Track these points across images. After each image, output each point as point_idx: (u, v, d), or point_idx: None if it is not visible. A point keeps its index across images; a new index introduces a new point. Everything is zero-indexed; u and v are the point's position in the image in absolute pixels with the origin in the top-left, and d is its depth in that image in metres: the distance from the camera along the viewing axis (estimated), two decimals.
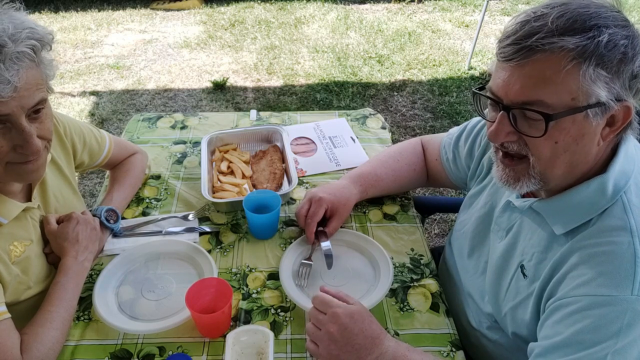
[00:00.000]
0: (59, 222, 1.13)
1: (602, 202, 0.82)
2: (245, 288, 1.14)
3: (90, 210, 1.22)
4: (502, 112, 0.81)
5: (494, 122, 0.83)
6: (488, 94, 0.84)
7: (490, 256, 1.04)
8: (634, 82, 0.76)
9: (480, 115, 0.92)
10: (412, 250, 1.25)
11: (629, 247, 0.77)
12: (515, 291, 0.95)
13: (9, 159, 0.91)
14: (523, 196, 0.97)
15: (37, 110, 0.90)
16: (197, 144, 1.59)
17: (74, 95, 3.67)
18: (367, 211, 1.36)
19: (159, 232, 1.27)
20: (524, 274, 0.93)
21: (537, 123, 0.78)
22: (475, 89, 0.88)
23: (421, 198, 1.55)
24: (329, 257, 1.15)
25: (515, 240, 0.97)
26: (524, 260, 0.93)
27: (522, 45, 0.75)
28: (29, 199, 1.08)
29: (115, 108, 3.52)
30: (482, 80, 3.94)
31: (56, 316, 0.99)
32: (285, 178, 1.45)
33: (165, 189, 1.43)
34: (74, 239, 1.10)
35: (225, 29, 4.74)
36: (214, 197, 1.33)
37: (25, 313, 1.01)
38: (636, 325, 0.73)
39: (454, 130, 1.27)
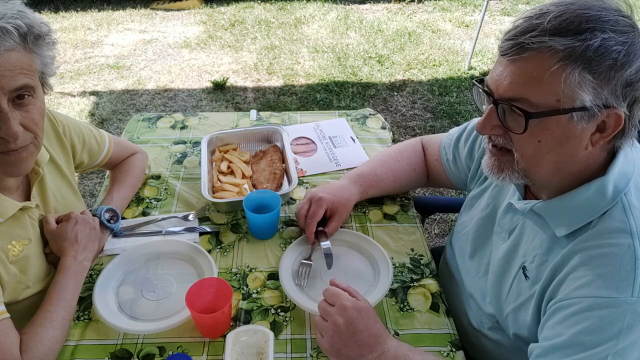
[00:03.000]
0: (58, 221, 1.13)
1: (602, 204, 0.82)
2: (245, 288, 1.14)
3: (90, 210, 1.21)
4: (491, 105, 0.82)
5: None
6: (485, 86, 0.85)
7: (493, 258, 1.04)
8: (627, 90, 0.74)
9: (478, 106, 0.93)
10: (412, 250, 1.25)
11: (629, 249, 0.77)
12: (517, 293, 0.95)
13: None
14: (524, 198, 0.97)
15: (20, 96, 0.89)
16: (197, 144, 1.59)
17: (74, 95, 3.67)
18: (367, 211, 1.36)
19: (159, 232, 1.27)
20: (525, 276, 0.93)
21: (519, 119, 0.78)
22: (476, 80, 0.89)
23: (421, 198, 1.55)
24: (328, 257, 1.15)
25: (518, 242, 0.97)
26: (526, 262, 0.93)
27: (516, 41, 0.76)
28: (27, 198, 1.08)
29: (115, 108, 3.52)
30: (484, 74, 3.94)
31: (56, 316, 0.99)
32: (285, 178, 1.45)
33: (165, 189, 1.43)
34: (72, 238, 1.10)
35: (225, 29, 4.73)
36: (214, 197, 1.33)
37: (25, 313, 1.01)
38: (636, 327, 0.73)
39: (454, 131, 1.27)
